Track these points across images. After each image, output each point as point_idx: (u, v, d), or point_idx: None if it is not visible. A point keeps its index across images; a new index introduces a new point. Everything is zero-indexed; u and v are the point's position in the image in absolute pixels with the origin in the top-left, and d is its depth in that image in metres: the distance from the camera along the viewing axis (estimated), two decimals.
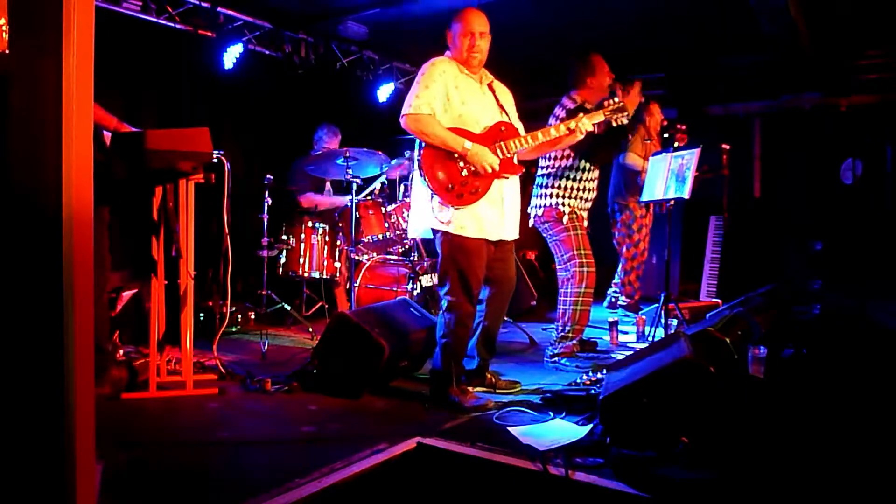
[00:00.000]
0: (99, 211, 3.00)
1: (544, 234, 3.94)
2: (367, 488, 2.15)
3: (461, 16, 3.05)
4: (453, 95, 2.96)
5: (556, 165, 3.84)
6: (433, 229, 3.02)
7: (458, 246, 2.95)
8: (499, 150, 2.97)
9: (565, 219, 3.77)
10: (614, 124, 3.24)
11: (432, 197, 2.95)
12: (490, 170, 2.92)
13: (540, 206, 3.88)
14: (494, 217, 3.01)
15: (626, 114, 3.18)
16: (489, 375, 3.25)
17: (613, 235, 5.52)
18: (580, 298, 3.74)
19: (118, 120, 3.05)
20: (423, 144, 2.94)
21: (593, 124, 3.14)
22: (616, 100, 3.20)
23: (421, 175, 2.94)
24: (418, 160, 2.95)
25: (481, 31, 3.03)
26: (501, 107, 3.13)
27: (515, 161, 3.05)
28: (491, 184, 2.97)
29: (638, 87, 5.06)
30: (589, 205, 3.92)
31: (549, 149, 3.26)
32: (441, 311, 3.02)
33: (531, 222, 3.98)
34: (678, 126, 4.72)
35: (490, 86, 3.15)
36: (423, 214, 3.03)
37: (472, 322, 3.08)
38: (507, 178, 3.04)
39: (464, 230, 2.94)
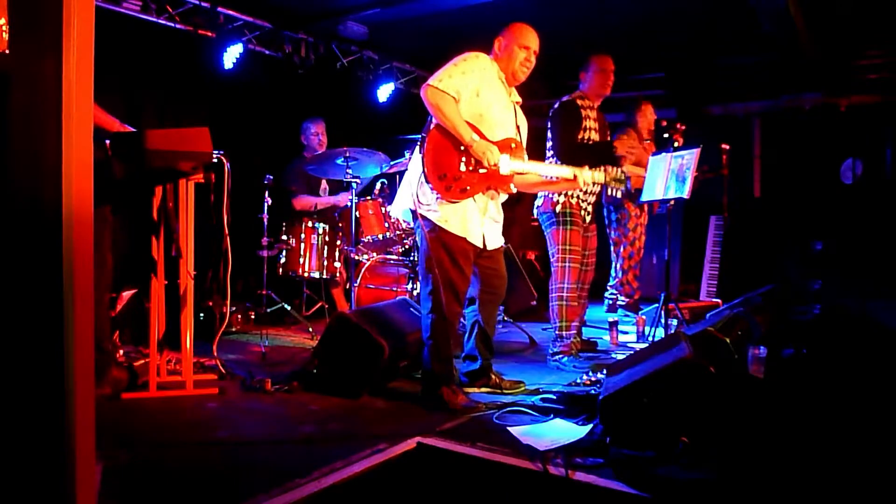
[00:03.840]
0: (101, 211, 3.00)
1: (542, 226, 3.97)
2: (367, 488, 2.15)
3: (522, 28, 3.09)
4: (484, 94, 2.94)
5: (556, 159, 3.84)
6: (413, 212, 2.97)
7: (443, 241, 2.91)
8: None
9: (558, 208, 3.79)
10: (609, 191, 3.31)
11: (421, 178, 2.90)
12: (489, 164, 2.89)
13: (539, 197, 3.93)
14: (476, 225, 2.99)
15: (622, 187, 3.26)
16: (493, 375, 3.24)
17: (609, 236, 5.51)
18: (563, 294, 3.77)
19: (119, 122, 3.05)
20: (433, 125, 2.90)
21: (594, 182, 3.21)
22: (619, 171, 3.25)
23: (420, 152, 2.90)
24: (423, 136, 2.91)
25: (536, 49, 3.09)
26: (518, 128, 3.14)
27: (513, 186, 3.04)
28: (479, 191, 2.96)
29: (649, 109, 5.11)
30: (589, 201, 3.91)
31: (542, 188, 3.31)
32: (425, 312, 2.97)
33: (534, 212, 4.03)
34: (678, 125, 4.72)
35: (514, 105, 3.16)
36: (408, 194, 2.99)
37: (458, 322, 3.05)
38: (497, 194, 3.04)
39: (447, 224, 2.91)
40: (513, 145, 3.04)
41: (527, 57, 3.08)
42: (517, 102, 3.19)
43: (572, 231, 3.79)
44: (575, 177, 3.13)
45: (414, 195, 2.96)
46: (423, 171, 2.89)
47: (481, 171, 2.93)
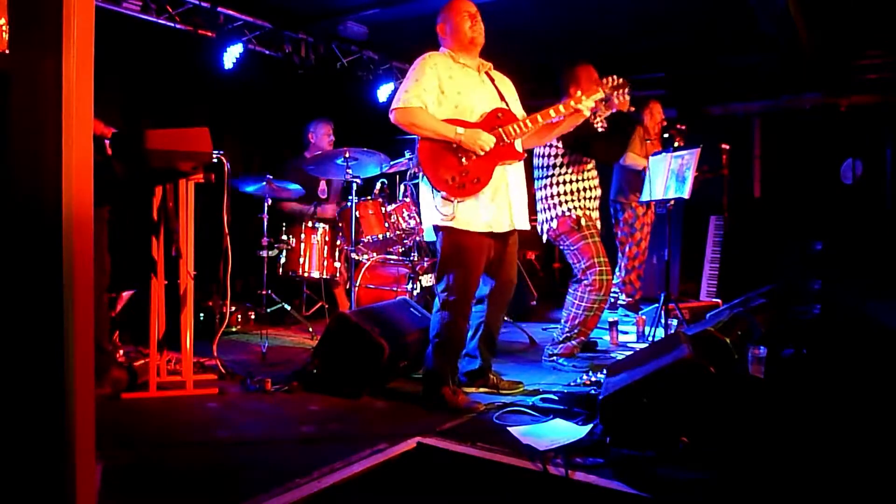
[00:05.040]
0: (99, 211, 2.99)
1: (561, 246, 3.85)
2: (367, 488, 2.15)
3: (450, 4, 3.07)
4: (447, 86, 2.93)
5: (554, 172, 3.78)
6: (435, 226, 2.96)
7: (461, 243, 2.91)
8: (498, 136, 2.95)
9: (582, 223, 3.70)
10: (616, 101, 3.13)
11: (434, 193, 2.91)
12: (484, 150, 2.88)
13: (553, 218, 3.77)
14: (501, 207, 2.97)
15: (627, 90, 3.09)
16: (492, 376, 3.24)
17: (616, 235, 5.52)
18: (595, 306, 3.68)
19: (103, 124, 3.04)
20: (419, 140, 2.90)
21: (595, 101, 3.05)
22: (615, 76, 3.11)
23: (420, 171, 2.91)
24: (415, 158, 2.92)
25: (475, 10, 3.07)
26: (501, 95, 3.09)
27: (518, 147, 3.02)
28: (493, 172, 2.93)
29: (657, 108, 5.08)
30: (597, 203, 3.87)
31: (548, 134, 3.19)
32: (436, 310, 2.98)
33: (544, 237, 3.90)
34: (678, 126, 4.72)
35: (488, 74, 3.12)
36: (427, 213, 2.99)
37: (466, 323, 3.05)
38: (509, 164, 3.00)
39: (469, 225, 2.90)
40: (499, 115, 3.00)
41: (472, 22, 3.03)
42: (488, 70, 3.13)
43: (599, 242, 3.72)
44: (577, 109, 3.01)
45: (433, 211, 2.92)
46: (432, 186, 2.88)
47: (482, 154, 2.90)
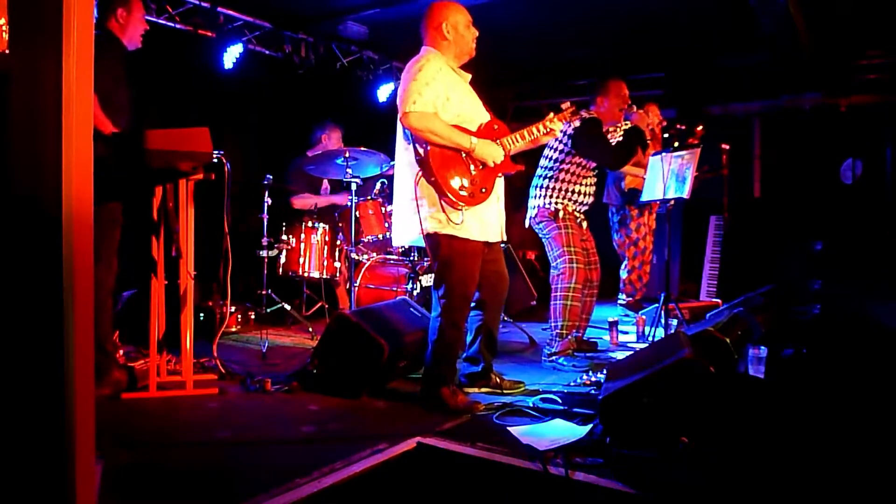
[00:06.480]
0: (112, 211, 3.00)
1: (539, 234, 3.99)
2: (367, 488, 2.15)
3: (456, 8, 3.00)
4: (451, 94, 2.91)
5: (554, 166, 3.90)
6: (433, 233, 2.91)
7: (461, 249, 2.91)
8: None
9: (559, 215, 3.84)
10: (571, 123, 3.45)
11: (440, 198, 2.85)
12: (496, 162, 2.93)
13: (533, 207, 3.95)
14: (493, 217, 3.02)
15: (577, 118, 3.37)
16: (494, 376, 3.24)
17: (613, 238, 5.53)
18: (570, 294, 3.76)
19: (112, 124, 3.03)
20: (428, 145, 2.84)
21: (563, 123, 3.25)
22: (567, 104, 3.26)
23: (429, 176, 2.84)
24: (419, 160, 2.86)
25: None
26: (486, 108, 3.13)
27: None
28: (495, 182, 2.97)
29: (654, 110, 5.15)
30: (584, 208, 3.98)
31: (528, 147, 3.30)
32: (435, 314, 2.97)
33: (527, 223, 4.04)
34: (678, 126, 4.72)
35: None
36: (424, 217, 2.90)
37: (464, 325, 3.05)
38: (501, 176, 3.04)
39: (470, 233, 2.91)
40: (496, 126, 3.03)
41: (474, 34, 3.04)
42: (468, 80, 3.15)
43: (573, 234, 3.83)
44: (551, 130, 3.16)
45: (431, 218, 2.89)
46: (445, 192, 2.83)
47: (492, 165, 2.96)
